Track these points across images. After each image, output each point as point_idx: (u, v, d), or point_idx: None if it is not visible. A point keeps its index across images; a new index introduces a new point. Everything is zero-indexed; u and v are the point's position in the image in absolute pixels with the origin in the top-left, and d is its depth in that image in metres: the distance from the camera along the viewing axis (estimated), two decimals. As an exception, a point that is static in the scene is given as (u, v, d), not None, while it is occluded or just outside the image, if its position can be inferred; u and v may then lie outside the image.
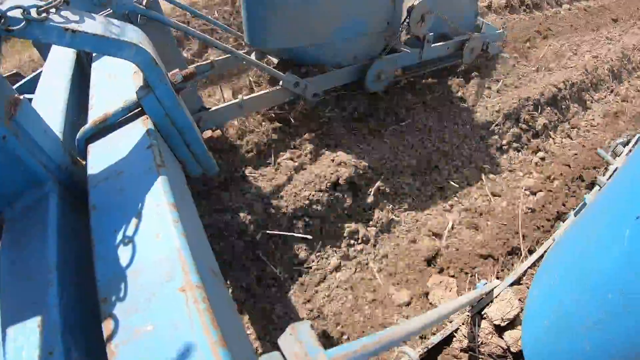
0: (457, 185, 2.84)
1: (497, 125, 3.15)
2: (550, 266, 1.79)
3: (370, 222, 2.54)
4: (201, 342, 0.64)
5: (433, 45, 3.44)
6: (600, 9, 5.26)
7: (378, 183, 2.64)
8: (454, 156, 2.96)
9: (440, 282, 2.26)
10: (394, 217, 2.58)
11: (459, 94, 3.41)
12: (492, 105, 3.30)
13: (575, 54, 4.24)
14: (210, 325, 0.65)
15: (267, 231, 2.38)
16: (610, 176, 2.69)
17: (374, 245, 2.46)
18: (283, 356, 0.51)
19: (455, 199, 2.79)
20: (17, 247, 0.96)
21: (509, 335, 1.82)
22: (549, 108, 3.46)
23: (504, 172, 3.02)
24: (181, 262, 0.75)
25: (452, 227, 2.58)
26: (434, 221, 2.62)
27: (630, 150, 2.87)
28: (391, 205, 2.64)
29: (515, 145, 3.21)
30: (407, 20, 3.04)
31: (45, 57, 2.11)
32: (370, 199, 2.60)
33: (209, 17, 3.34)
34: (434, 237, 2.52)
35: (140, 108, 1.12)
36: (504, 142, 3.18)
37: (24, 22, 0.84)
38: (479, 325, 1.89)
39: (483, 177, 2.93)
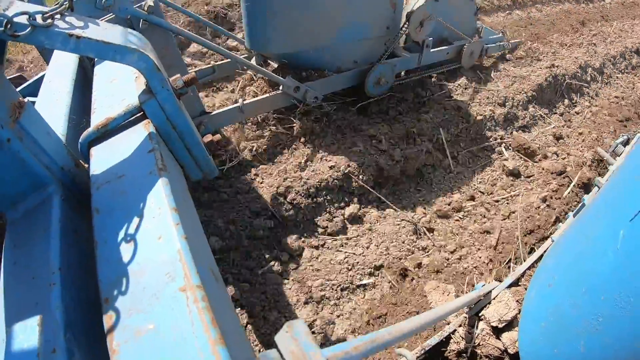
0: (606, 86, 4.76)
1: (615, 58, 5.17)
2: (547, 267, 1.80)
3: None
4: (201, 341, 0.65)
5: (432, 50, 3.47)
6: (631, 4, 7.17)
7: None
8: (597, 70, 4.81)
9: (438, 286, 2.28)
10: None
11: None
12: (612, 48, 5.33)
13: (633, 31, 6.17)
14: (210, 324, 0.67)
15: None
16: (608, 177, 2.70)
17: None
18: (280, 354, 0.53)
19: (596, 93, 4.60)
20: (20, 248, 0.98)
21: (507, 336, 1.83)
22: (636, 55, 5.53)
23: (622, 84, 4.93)
24: (182, 264, 0.77)
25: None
26: (608, 92, 4.57)
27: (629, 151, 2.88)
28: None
29: (627, 70, 5.21)
30: (406, 25, 3.07)
31: (48, 60, 2.13)
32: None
33: (210, 22, 3.37)
34: (619, 101, 4.34)
35: (142, 112, 1.14)
36: (622, 67, 5.16)
37: (29, 28, 0.86)
38: (476, 327, 1.90)
39: (614, 83, 4.89)
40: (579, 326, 1.40)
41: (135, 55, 1.00)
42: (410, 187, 2.88)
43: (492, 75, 3.87)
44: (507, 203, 2.78)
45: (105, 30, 0.99)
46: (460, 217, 2.73)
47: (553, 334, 1.54)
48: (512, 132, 3.43)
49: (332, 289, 2.27)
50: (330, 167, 2.72)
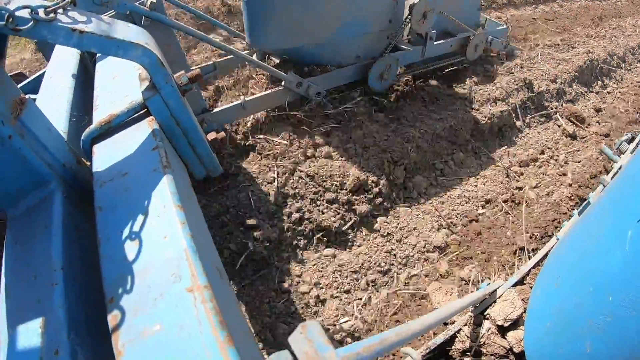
0: (628, 72, 5.20)
1: (634, 49, 5.52)
2: (552, 266, 1.79)
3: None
4: (209, 342, 0.64)
5: (436, 42, 3.42)
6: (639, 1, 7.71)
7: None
8: (621, 58, 5.27)
9: (440, 287, 2.27)
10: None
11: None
12: (630, 40, 5.70)
13: (645, 25, 6.84)
14: (218, 324, 0.65)
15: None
16: (614, 175, 2.68)
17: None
18: (293, 354, 0.51)
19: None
20: (22, 246, 0.97)
21: (512, 335, 1.82)
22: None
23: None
24: (188, 263, 0.76)
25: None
26: (631, 77, 5.05)
27: (635, 148, 2.85)
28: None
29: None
30: (409, 17, 3.03)
31: (48, 57, 2.11)
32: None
33: (212, 18, 3.35)
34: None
35: (145, 109, 1.13)
36: (639, 57, 5.53)
37: (31, 22, 0.85)
38: (482, 326, 1.89)
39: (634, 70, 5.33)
40: (584, 325, 1.39)
41: (139, 50, 0.98)
42: (495, 142, 3.64)
43: (539, 57, 4.74)
44: (571, 156, 3.61)
45: (108, 25, 0.97)
46: (538, 165, 3.45)
47: (558, 333, 1.53)
48: (562, 104, 4.20)
49: (457, 217, 2.86)
50: (438, 119, 3.32)
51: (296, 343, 0.51)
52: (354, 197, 2.67)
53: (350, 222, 2.58)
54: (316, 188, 2.61)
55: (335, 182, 2.65)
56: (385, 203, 2.78)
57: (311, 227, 2.48)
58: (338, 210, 2.58)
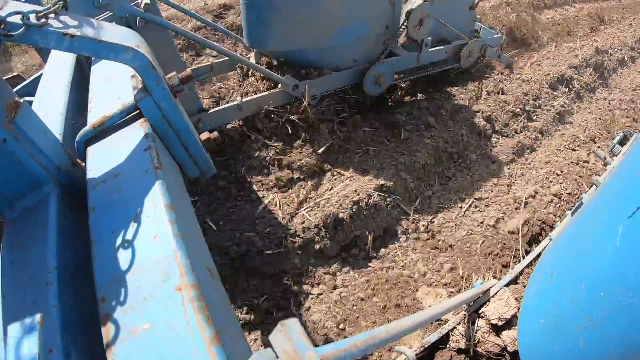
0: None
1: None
2: (546, 265, 1.79)
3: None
4: (196, 340, 0.65)
5: (431, 49, 3.46)
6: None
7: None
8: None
9: (429, 292, 2.28)
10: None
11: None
12: None
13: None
14: (205, 323, 0.67)
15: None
16: (606, 176, 2.68)
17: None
18: (275, 353, 0.53)
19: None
20: (18, 248, 0.98)
21: (507, 334, 1.82)
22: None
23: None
24: (177, 262, 0.77)
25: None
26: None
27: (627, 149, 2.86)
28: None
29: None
30: (405, 24, 3.06)
31: (46, 60, 2.13)
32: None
33: (209, 20, 3.36)
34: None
35: (138, 111, 1.14)
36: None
37: (23, 28, 0.86)
38: (476, 324, 1.90)
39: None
40: (577, 322, 1.39)
41: (129, 53, 1.00)
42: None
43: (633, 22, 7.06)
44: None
45: (99, 29, 0.98)
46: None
47: (552, 330, 1.54)
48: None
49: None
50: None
51: (277, 341, 0.52)
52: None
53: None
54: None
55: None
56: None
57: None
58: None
